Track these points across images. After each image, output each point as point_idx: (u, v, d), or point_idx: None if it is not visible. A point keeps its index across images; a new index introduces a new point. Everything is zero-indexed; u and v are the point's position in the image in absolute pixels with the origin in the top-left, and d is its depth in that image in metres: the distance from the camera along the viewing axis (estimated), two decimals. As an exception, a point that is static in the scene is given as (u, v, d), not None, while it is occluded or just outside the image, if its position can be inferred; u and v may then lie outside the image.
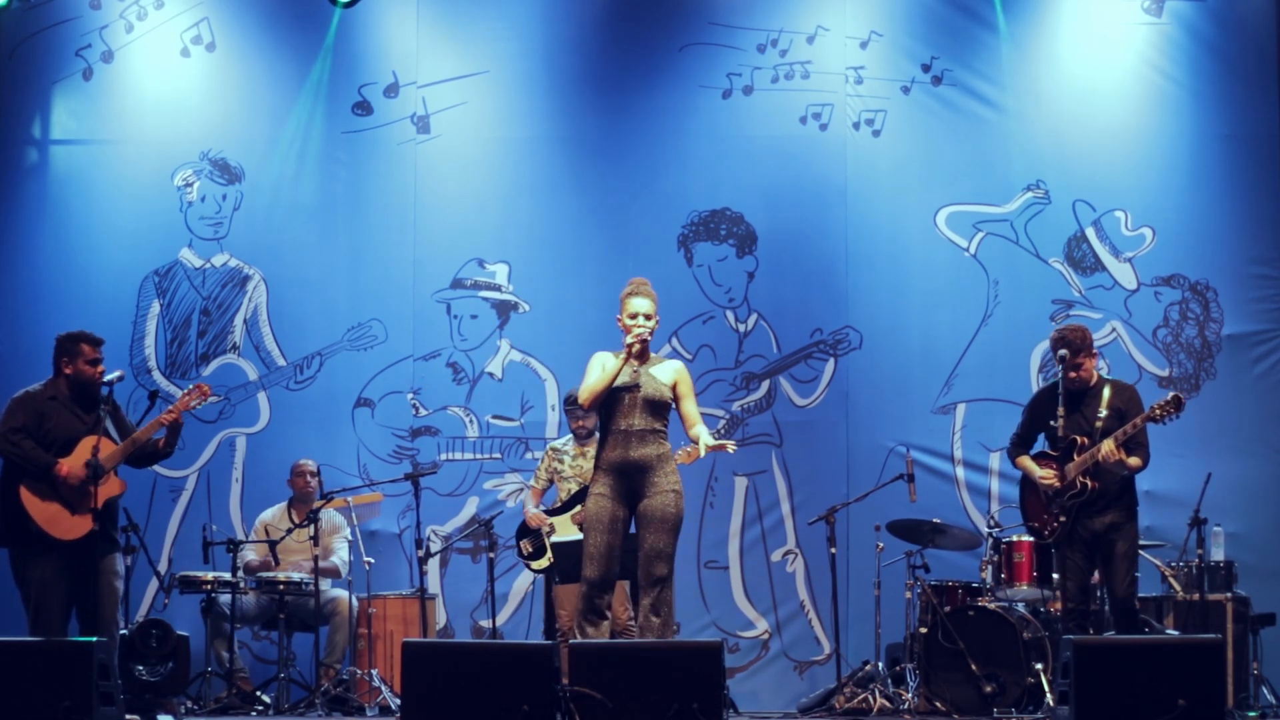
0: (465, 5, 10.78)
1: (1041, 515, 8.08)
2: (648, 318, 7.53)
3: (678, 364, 7.66)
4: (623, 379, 7.48)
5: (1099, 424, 7.92)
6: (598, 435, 7.72)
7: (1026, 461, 8.15)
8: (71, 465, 7.73)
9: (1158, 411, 7.78)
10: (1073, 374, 7.98)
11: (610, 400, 7.50)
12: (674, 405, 7.56)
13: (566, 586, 9.00)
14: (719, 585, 10.36)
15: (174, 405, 8.00)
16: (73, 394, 7.91)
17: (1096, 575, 8.12)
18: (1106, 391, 8.01)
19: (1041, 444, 8.21)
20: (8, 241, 10.71)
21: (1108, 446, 7.77)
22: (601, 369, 7.51)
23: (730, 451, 7.58)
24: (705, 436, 7.44)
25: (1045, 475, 8.00)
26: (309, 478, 9.85)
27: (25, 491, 7.72)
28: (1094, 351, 8.09)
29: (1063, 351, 7.97)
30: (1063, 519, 7.94)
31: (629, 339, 7.48)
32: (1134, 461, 7.87)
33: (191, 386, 8.14)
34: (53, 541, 7.70)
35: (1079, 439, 7.95)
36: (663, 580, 7.42)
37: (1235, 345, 10.27)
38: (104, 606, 7.82)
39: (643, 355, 7.53)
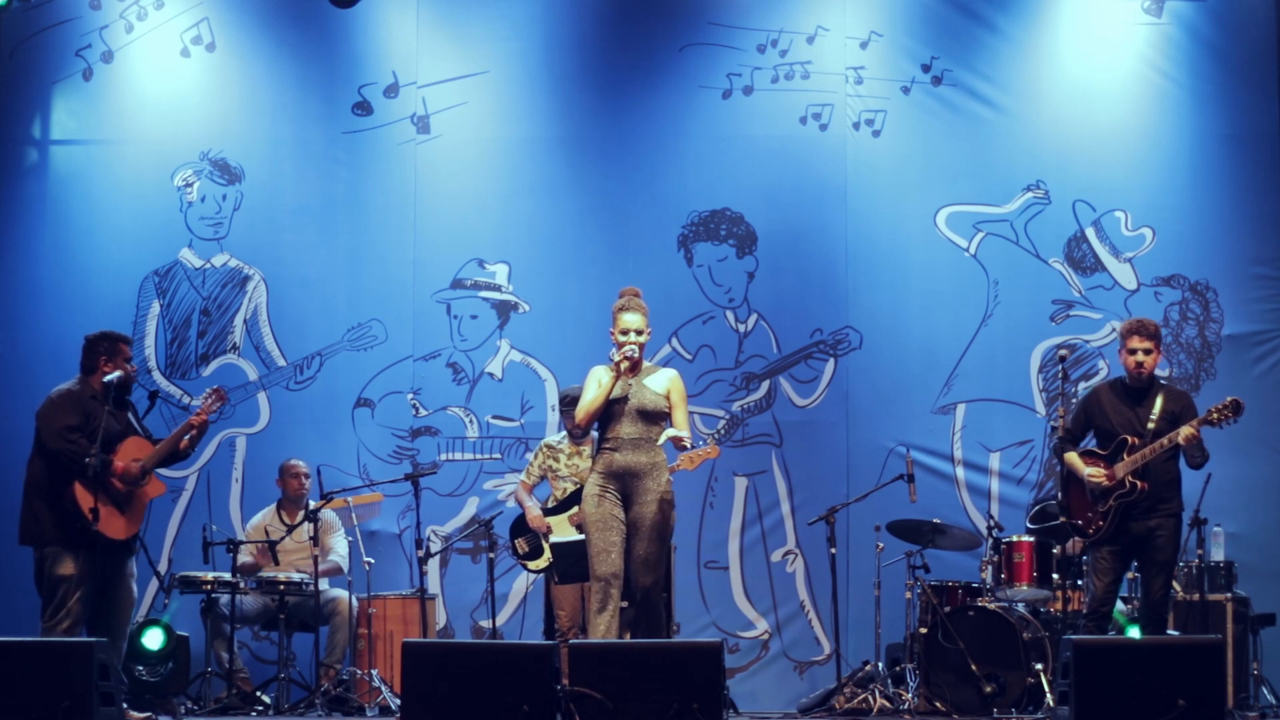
0: (465, 5, 10.78)
1: (1085, 513, 8.01)
2: (638, 333, 7.70)
3: (672, 373, 7.81)
4: (614, 392, 7.61)
5: (1151, 425, 7.87)
6: (595, 436, 7.80)
7: (1074, 458, 8.05)
8: (125, 464, 7.88)
9: (1215, 415, 7.74)
10: (1146, 358, 7.92)
11: (603, 411, 7.64)
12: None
13: (565, 587, 9.01)
14: (719, 585, 10.36)
15: (199, 411, 8.18)
16: (105, 393, 7.96)
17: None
18: (1160, 397, 7.96)
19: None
20: (8, 241, 10.70)
21: (1187, 431, 7.70)
22: (597, 386, 7.64)
23: (687, 446, 7.56)
24: (669, 431, 7.57)
25: (1094, 473, 7.95)
26: (304, 479, 9.83)
27: (81, 490, 7.76)
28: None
29: (1136, 337, 7.92)
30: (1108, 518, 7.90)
31: (617, 357, 7.65)
32: (1197, 458, 7.89)
33: (209, 391, 8.34)
34: (102, 541, 7.75)
35: (1130, 438, 7.91)
36: (650, 588, 7.55)
37: (1235, 345, 10.26)
38: (124, 607, 7.91)
39: (634, 368, 7.66)
